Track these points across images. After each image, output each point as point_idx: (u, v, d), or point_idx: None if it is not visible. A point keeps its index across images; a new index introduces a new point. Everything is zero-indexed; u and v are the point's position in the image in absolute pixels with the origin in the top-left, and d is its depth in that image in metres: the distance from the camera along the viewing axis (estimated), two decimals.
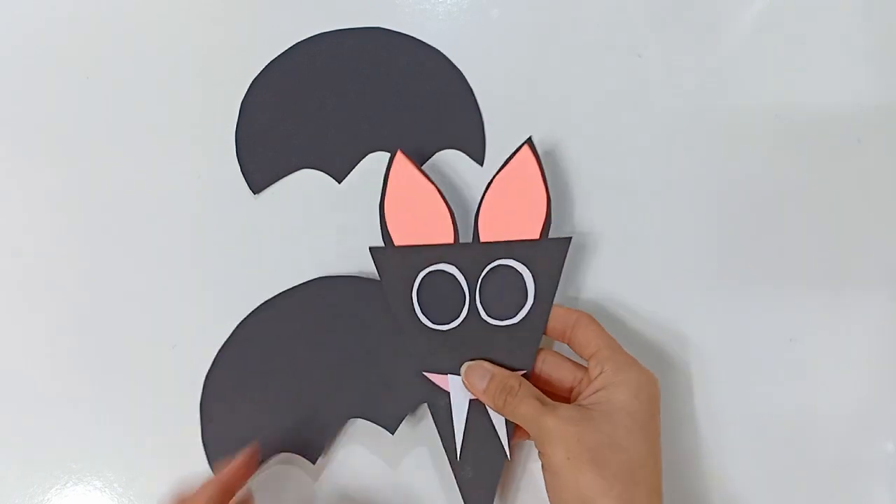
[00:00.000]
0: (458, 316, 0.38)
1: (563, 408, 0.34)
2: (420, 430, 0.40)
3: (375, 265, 0.39)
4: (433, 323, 0.38)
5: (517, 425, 0.37)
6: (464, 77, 0.43)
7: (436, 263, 0.38)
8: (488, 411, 0.38)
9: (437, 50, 0.43)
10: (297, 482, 0.40)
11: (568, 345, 0.37)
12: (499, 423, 0.38)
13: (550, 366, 0.38)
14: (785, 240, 0.41)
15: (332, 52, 0.43)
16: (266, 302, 0.40)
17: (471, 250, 0.38)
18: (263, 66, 0.43)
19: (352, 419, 0.40)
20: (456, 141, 0.42)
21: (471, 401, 0.38)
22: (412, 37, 0.43)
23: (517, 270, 0.38)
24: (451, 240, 0.38)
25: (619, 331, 0.39)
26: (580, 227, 0.41)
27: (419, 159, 0.41)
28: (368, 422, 0.39)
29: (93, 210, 0.43)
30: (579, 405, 0.35)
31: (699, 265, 0.41)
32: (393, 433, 0.39)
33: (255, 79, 0.43)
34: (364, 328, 0.40)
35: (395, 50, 0.43)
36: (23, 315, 0.43)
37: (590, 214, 0.42)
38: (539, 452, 0.35)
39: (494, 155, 0.42)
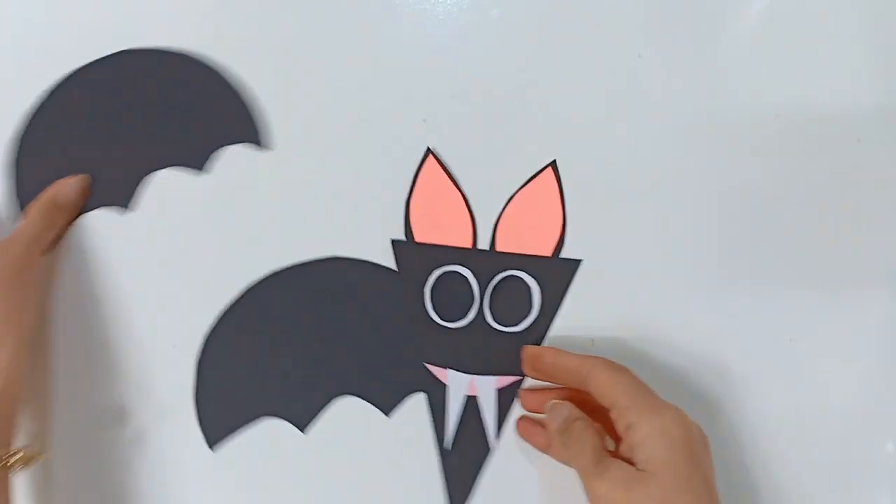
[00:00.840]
0: (466, 316, 0.41)
1: (614, 467, 0.33)
2: (413, 416, 0.41)
3: (395, 256, 0.41)
4: (442, 319, 0.41)
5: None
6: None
7: (452, 264, 0.41)
8: (480, 409, 0.40)
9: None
10: (285, 448, 0.41)
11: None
12: (489, 418, 0.40)
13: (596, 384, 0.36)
14: (785, 240, 0.41)
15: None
16: (278, 271, 0.41)
17: (486, 257, 0.41)
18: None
19: (346, 395, 0.41)
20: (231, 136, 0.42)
21: (467, 396, 0.40)
22: None
23: (527, 283, 0.40)
24: (469, 244, 0.41)
25: (617, 330, 0.39)
26: (583, 223, 0.41)
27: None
28: (364, 401, 0.41)
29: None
30: (627, 465, 0.33)
31: (699, 265, 0.41)
32: (388, 415, 0.41)
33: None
34: (372, 312, 0.41)
35: None
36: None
37: (588, 214, 0.42)
38: None
39: (494, 155, 0.42)
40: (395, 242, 0.41)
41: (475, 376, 0.41)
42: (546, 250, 0.41)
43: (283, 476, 0.41)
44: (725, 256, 0.41)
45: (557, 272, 0.40)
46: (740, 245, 0.41)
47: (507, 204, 0.41)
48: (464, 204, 0.41)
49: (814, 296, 0.41)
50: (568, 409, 0.36)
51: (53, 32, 0.43)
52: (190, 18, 0.44)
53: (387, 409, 0.41)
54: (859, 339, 0.40)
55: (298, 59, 0.43)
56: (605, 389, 0.35)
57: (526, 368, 0.40)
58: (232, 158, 0.42)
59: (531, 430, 0.40)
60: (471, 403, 0.41)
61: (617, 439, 0.36)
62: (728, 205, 0.41)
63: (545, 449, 0.39)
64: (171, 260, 0.42)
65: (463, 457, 0.41)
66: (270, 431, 0.41)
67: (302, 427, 0.41)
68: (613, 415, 0.34)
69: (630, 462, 0.33)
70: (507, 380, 0.41)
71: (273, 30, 0.43)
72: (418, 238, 0.41)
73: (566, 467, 0.36)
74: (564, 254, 0.41)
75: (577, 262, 0.40)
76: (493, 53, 0.43)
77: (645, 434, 0.32)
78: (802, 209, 0.41)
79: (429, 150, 0.41)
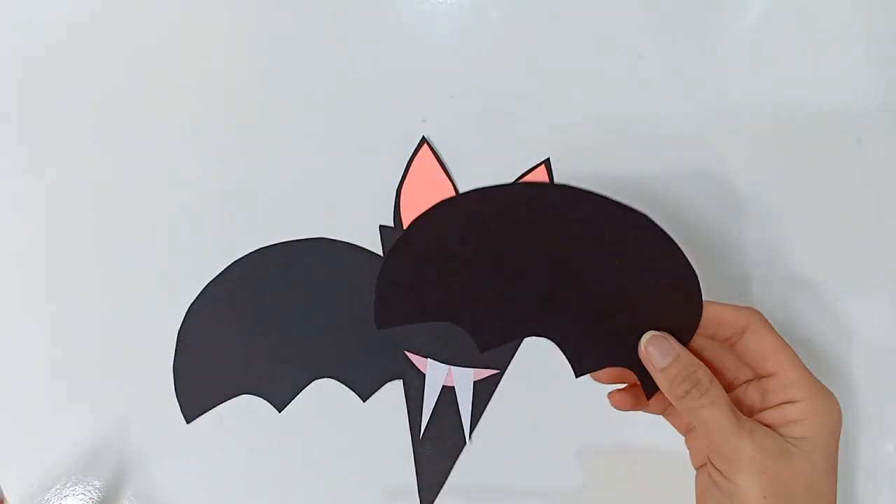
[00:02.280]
0: None
1: (760, 432, 0.30)
2: (389, 402, 0.41)
3: (382, 242, 0.41)
4: None
5: None
6: None
7: None
8: (457, 399, 0.40)
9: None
10: (260, 426, 0.41)
11: (735, 351, 0.33)
12: (464, 410, 0.41)
13: (712, 352, 0.33)
14: (785, 240, 0.41)
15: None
16: (264, 248, 0.42)
17: None
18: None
19: (324, 378, 0.41)
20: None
21: (443, 387, 0.40)
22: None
23: None
24: None
25: None
26: None
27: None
28: (341, 385, 0.41)
29: (94, 209, 0.43)
30: (775, 434, 0.31)
31: (698, 266, 0.41)
32: (364, 401, 0.41)
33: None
34: (355, 296, 0.41)
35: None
36: (23, 315, 0.43)
37: None
38: (715, 469, 0.32)
39: (491, 153, 0.42)
40: (382, 228, 0.41)
41: (453, 367, 0.41)
42: None
43: (256, 453, 0.41)
44: (724, 257, 0.41)
45: None
46: (739, 245, 0.41)
47: None
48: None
49: (814, 296, 0.41)
50: (676, 347, 0.31)
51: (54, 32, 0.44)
52: (192, 16, 0.44)
53: (364, 394, 0.41)
54: (859, 339, 0.40)
55: (299, 58, 0.44)
56: (769, 354, 0.32)
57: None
58: (228, 149, 0.43)
59: (624, 395, 0.35)
60: (447, 394, 0.41)
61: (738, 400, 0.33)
62: (727, 205, 0.41)
63: (643, 405, 0.35)
64: (159, 234, 0.43)
65: (436, 446, 0.41)
66: (247, 408, 0.41)
67: (279, 406, 0.41)
68: (773, 383, 0.32)
69: (765, 425, 0.31)
70: (485, 373, 0.41)
71: (274, 29, 0.44)
72: (407, 226, 0.41)
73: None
74: None
75: None
76: (493, 53, 0.43)
77: (810, 414, 0.31)
78: (802, 209, 0.41)
79: (424, 139, 0.41)
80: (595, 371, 0.34)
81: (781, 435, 0.31)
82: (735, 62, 0.42)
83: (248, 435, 0.41)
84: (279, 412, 0.41)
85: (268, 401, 0.41)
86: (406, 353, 0.41)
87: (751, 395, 0.33)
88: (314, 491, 0.41)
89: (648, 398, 0.33)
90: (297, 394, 0.41)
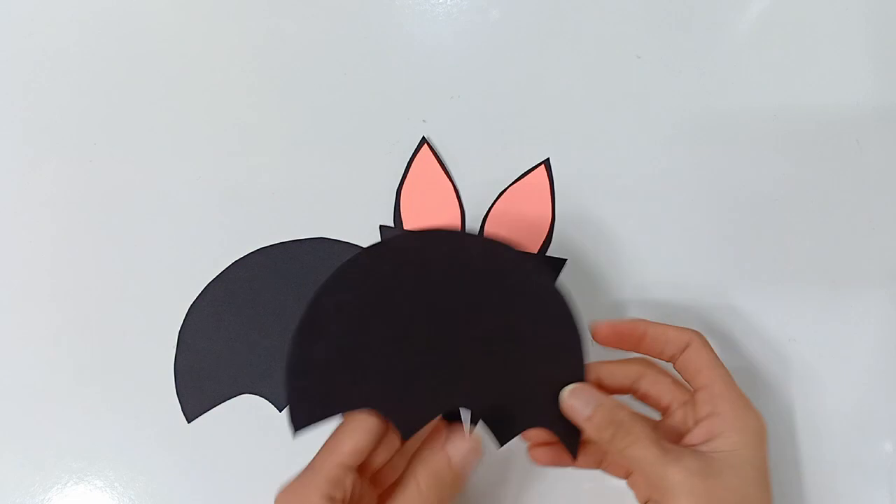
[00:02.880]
0: None
1: (687, 457, 0.31)
2: None
3: None
4: None
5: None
6: None
7: None
8: None
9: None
10: (261, 426, 0.41)
11: (674, 366, 0.35)
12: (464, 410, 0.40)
13: (650, 382, 0.34)
14: (784, 240, 0.41)
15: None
16: (264, 247, 0.42)
17: None
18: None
19: None
20: None
21: None
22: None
23: None
24: None
25: None
26: (575, 227, 0.41)
27: None
28: None
29: (94, 209, 0.43)
30: (701, 453, 0.31)
31: (698, 266, 0.41)
32: None
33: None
34: None
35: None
36: (23, 314, 0.43)
37: (587, 213, 0.42)
38: (651, 501, 0.33)
39: (490, 153, 0.42)
40: (382, 228, 0.41)
41: None
42: (533, 247, 0.40)
43: (256, 453, 0.41)
44: (723, 257, 0.41)
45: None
46: (739, 245, 0.41)
47: (497, 199, 0.41)
48: (454, 195, 0.41)
49: (814, 296, 0.41)
50: (596, 395, 0.32)
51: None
52: (193, 17, 0.44)
53: None
54: (859, 339, 0.40)
55: (299, 58, 0.44)
56: (702, 368, 0.33)
57: (602, 336, 0.35)
58: (228, 149, 0.43)
59: (546, 451, 0.35)
60: None
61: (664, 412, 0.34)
62: (726, 205, 0.41)
63: (572, 461, 0.34)
64: (160, 233, 0.43)
65: None
66: (247, 408, 0.41)
67: (280, 406, 0.41)
68: (701, 395, 0.33)
69: (690, 446, 0.32)
70: None
71: (275, 30, 0.44)
72: (407, 225, 0.41)
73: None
74: (551, 252, 0.41)
75: (563, 261, 0.40)
76: (493, 53, 0.43)
77: (737, 426, 0.31)
78: (801, 209, 0.41)
79: (424, 139, 0.42)
80: (516, 436, 0.33)
81: (709, 452, 0.31)
82: (734, 63, 0.42)
83: (248, 435, 0.41)
84: (279, 412, 0.41)
85: (268, 401, 0.41)
86: None
87: (684, 415, 0.34)
88: None
89: (575, 457, 0.33)
90: None
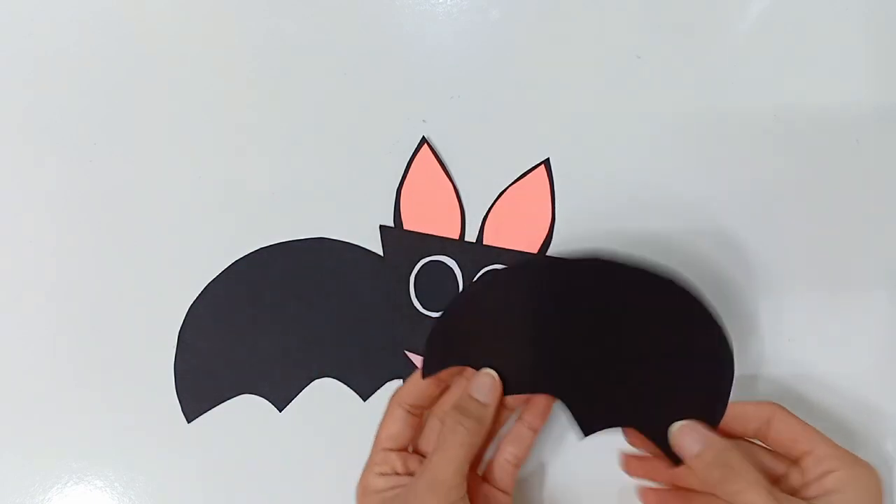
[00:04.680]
0: None
1: None
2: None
3: (382, 242, 0.41)
4: (424, 308, 0.41)
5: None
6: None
7: (438, 254, 0.41)
8: None
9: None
10: (260, 425, 0.41)
11: (762, 442, 0.34)
12: None
13: (782, 423, 0.34)
14: (784, 240, 0.41)
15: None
16: (265, 247, 0.42)
17: (472, 249, 0.41)
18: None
19: (325, 377, 0.41)
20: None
21: None
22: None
23: None
24: (456, 236, 0.41)
25: None
26: (575, 227, 0.41)
27: None
28: (342, 385, 0.41)
29: (94, 209, 0.43)
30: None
31: (698, 266, 0.41)
32: (365, 400, 0.41)
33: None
34: (355, 295, 0.41)
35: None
36: (23, 314, 0.43)
37: (587, 213, 0.42)
38: None
39: (490, 152, 0.42)
40: (382, 228, 0.41)
41: None
42: (532, 247, 0.41)
43: (256, 454, 0.41)
44: (724, 257, 0.41)
45: None
46: (739, 245, 0.41)
47: (497, 198, 0.41)
48: (455, 195, 0.41)
49: (814, 296, 0.41)
50: (706, 434, 0.32)
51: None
52: (193, 17, 0.44)
53: (365, 394, 0.41)
54: (859, 339, 0.40)
55: (299, 58, 0.44)
56: (798, 436, 0.33)
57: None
58: (228, 149, 0.43)
59: (641, 464, 0.37)
60: None
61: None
62: (726, 205, 0.41)
63: (657, 477, 0.36)
64: (160, 233, 0.43)
65: None
66: (247, 408, 0.41)
67: (279, 406, 0.41)
68: (805, 462, 0.32)
69: (805, 499, 0.32)
70: None
71: (275, 29, 0.44)
72: (407, 226, 0.41)
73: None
74: (551, 252, 0.41)
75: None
76: (493, 54, 0.43)
77: (849, 482, 0.31)
78: (801, 209, 0.41)
79: (424, 139, 0.42)
80: (600, 431, 0.34)
81: None
82: (734, 63, 0.42)
83: (248, 435, 0.41)
84: (279, 412, 0.41)
85: (268, 401, 0.41)
86: (406, 352, 0.41)
87: (790, 481, 0.33)
88: (315, 491, 0.41)
89: (677, 464, 0.33)
90: (298, 394, 0.41)
